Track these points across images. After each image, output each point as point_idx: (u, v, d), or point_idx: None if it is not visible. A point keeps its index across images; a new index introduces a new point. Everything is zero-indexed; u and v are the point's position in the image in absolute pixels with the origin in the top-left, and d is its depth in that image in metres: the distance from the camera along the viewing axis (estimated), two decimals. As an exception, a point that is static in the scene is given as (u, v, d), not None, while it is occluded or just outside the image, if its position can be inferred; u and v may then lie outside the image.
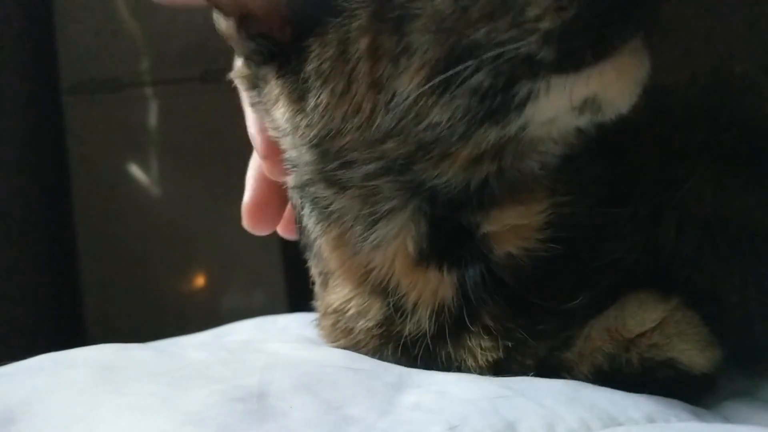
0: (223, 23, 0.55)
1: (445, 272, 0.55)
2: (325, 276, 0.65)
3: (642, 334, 0.53)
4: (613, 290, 0.56)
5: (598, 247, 0.56)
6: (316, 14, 0.50)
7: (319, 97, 0.51)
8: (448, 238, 0.55)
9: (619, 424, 0.46)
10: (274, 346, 0.63)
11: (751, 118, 0.60)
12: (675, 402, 0.50)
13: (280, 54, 0.53)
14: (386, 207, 0.55)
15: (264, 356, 0.59)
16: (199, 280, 2.17)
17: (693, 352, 0.52)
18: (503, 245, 0.55)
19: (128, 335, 0.73)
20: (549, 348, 0.56)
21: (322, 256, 0.63)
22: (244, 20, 0.53)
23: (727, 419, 0.50)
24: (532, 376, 0.54)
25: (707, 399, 0.53)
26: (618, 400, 0.49)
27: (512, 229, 0.55)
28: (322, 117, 0.51)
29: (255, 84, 0.59)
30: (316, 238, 0.63)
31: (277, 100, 0.56)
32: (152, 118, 2.15)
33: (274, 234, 0.65)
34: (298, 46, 0.51)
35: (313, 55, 0.50)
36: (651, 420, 0.47)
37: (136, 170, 2.16)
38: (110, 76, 2.13)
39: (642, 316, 0.54)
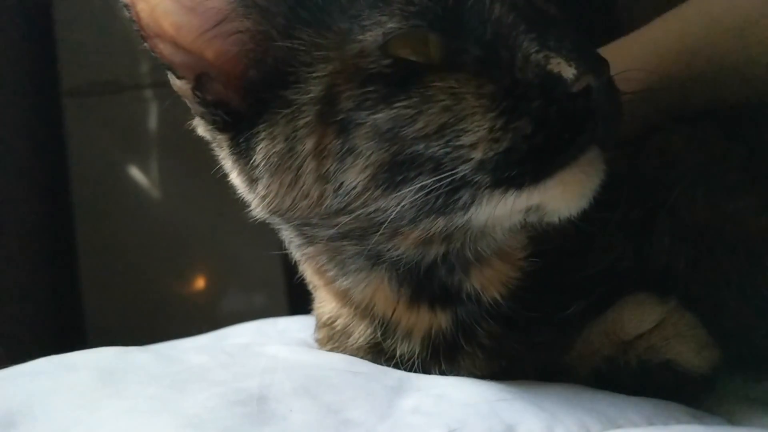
0: (176, 81, 0.54)
1: (438, 311, 0.55)
2: (314, 288, 0.66)
3: (640, 336, 0.53)
4: (609, 295, 0.56)
5: (585, 256, 0.56)
6: (269, 96, 0.50)
7: (269, 186, 0.52)
8: (431, 291, 0.55)
9: (619, 427, 0.46)
10: (274, 349, 0.63)
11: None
12: (674, 404, 0.50)
13: (233, 125, 0.53)
14: (353, 266, 0.56)
15: (264, 359, 0.59)
16: (200, 282, 2.17)
17: (691, 354, 0.52)
18: (489, 293, 0.55)
19: (128, 337, 0.73)
20: (547, 357, 0.56)
21: (306, 274, 0.64)
22: (199, 80, 0.53)
23: (728, 421, 0.50)
24: (532, 379, 0.54)
25: (707, 400, 0.53)
26: (618, 403, 0.49)
27: (496, 278, 0.55)
28: (273, 200, 0.52)
29: (213, 139, 0.58)
30: (299, 260, 0.63)
31: (232, 170, 0.56)
32: (152, 121, 2.16)
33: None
34: (248, 133, 0.52)
35: (261, 145, 0.51)
36: (650, 423, 0.47)
37: (135, 172, 2.16)
38: (110, 78, 2.13)
39: (639, 318, 0.54)
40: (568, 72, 0.42)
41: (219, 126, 0.54)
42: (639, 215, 0.57)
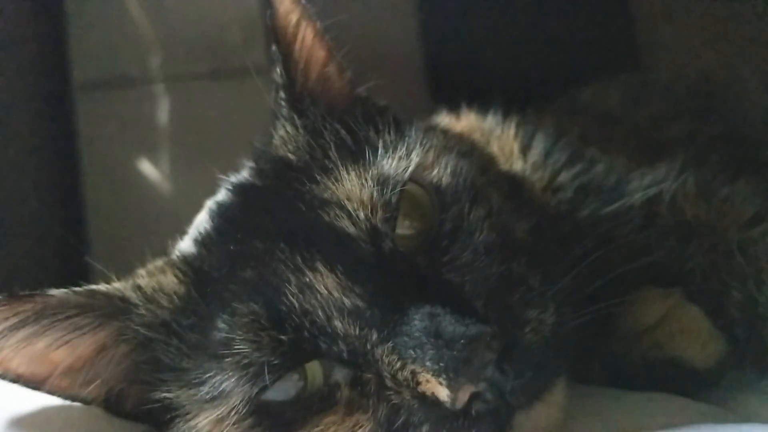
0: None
1: None
2: None
3: (644, 332, 0.53)
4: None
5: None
6: None
7: None
8: None
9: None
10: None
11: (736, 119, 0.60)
12: (689, 401, 0.50)
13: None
14: None
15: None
16: (210, 277, 2.18)
17: (695, 350, 0.51)
18: None
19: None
20: None
21: None
22: (109, 395, 0.51)
23: (739, 416, 0.50)
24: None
25: (716, 395, 0.53)
26: (632, 401, 0.49)
27: None
28: None
29: None
30: None
31: None
32: (163, 115, 2.16)
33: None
34: None
35: None
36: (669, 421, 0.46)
37: (147, 167, 2.17)
38: (121, 72, 2.13)
39: (643, 313, 0.53)
40: (442, 393, 0.37)
41: None
42: (641, 216, 0.56)
